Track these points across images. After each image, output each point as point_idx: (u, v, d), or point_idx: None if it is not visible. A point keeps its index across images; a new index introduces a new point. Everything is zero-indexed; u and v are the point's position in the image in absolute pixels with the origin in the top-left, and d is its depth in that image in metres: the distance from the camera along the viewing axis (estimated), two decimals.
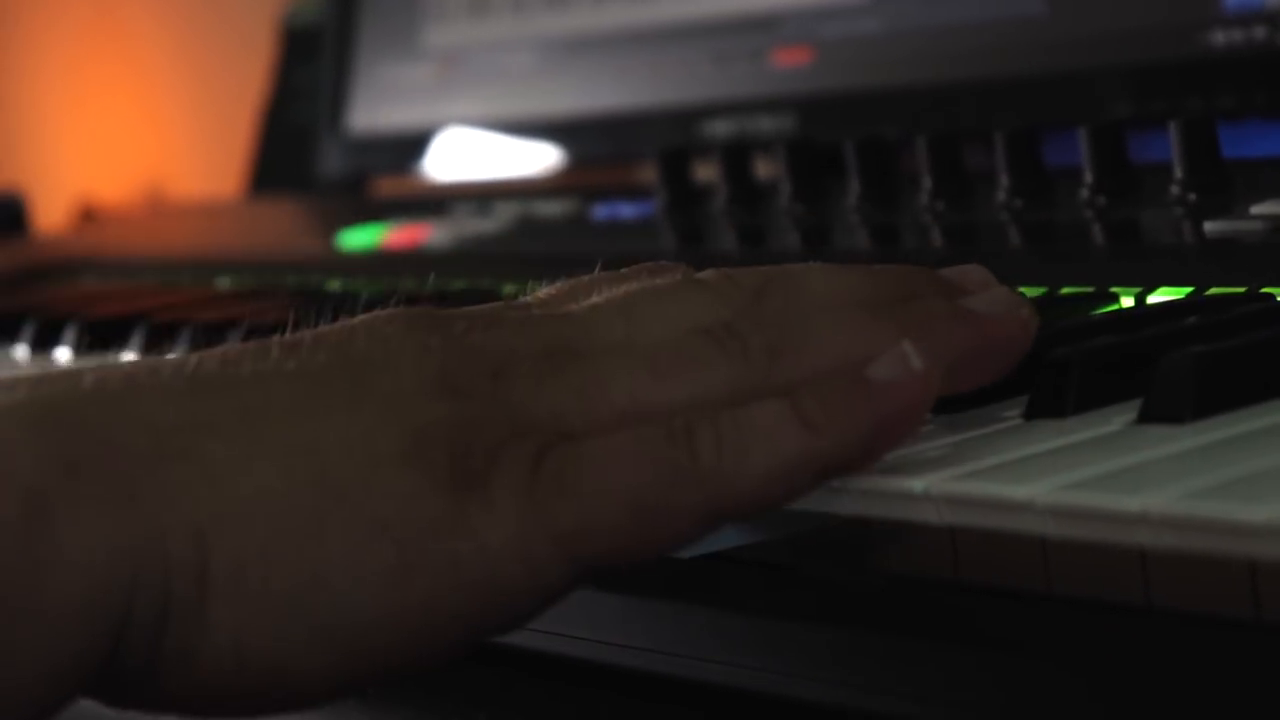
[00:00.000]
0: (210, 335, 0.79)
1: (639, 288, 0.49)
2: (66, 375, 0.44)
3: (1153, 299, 0.59)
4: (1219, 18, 0.74)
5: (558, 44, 1.03)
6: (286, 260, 1.02)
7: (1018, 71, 0.81)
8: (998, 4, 0.82)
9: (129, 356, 0.84)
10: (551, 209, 0.96)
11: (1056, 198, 0.71)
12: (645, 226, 0.88)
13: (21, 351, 0.91)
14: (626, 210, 0.91)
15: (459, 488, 0.43)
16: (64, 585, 0.40)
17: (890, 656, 0.47)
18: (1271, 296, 0.56)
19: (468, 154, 1.08)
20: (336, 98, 1.16)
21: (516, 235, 0.93)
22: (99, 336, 0.87)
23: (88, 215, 1.53)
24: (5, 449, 0.41)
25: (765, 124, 0.90)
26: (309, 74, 1.22)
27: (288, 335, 0.46)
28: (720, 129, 0.92)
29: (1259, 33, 0.72)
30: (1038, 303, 0.58)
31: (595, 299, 0.49)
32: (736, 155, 0.85)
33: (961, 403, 0.50)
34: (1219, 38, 0.74)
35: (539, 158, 1.04)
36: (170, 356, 0.45)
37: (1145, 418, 0.47)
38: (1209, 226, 0.62)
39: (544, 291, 0.51)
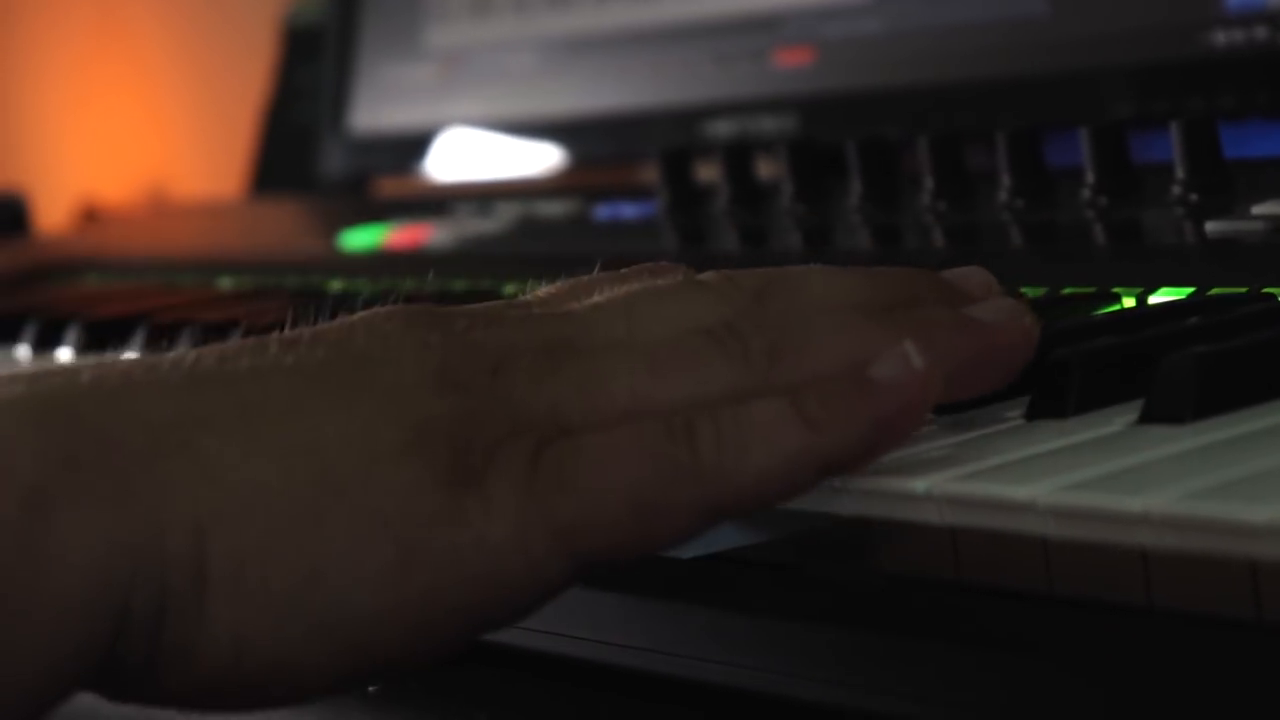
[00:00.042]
0: (212, 335, 0.79)
1: (640, 288, 0.49)
2: (64, 371, 0.44)
3: (1154, 299, 0.59)
4: (1220, 18, 0.74)
5: (559, 44, 1.03)
6: (288, 260, 1.01)
7: (1019, 72, 0.80)
8: (999, 4, 0.82)
9: (130, 357, 0.84)
10: (553, 209, 0.96)
11: (1058, 198, 0.71)
12: (647, 227, 0.88)
13: (23, 351, 0.91)
14: (628, 210, 0.91)
15: (458, 482, 0.43)
16: (63, 580, 0.40)
17: (891, 656, 0.47)
18: (1273, 297, 0.56)
19: (469, 154, 1.08)
20: (338, 98, 1.16)
21: (518, 235, 0.93)
22: (100, 337, 0.87)
23: (90, 215, 1.52)
24: (4, 445, 0.41)
25: (767, 124, 0.90)
26: (311, 74, 1.22)
27: (286, 332, 0.46)
28: (722, 129, 0.92)
29: (1260, 33, 0.72)
30: (1039, 303, 0.59)
31: (596, 298, 0.49)
32: (738, 155, 0.85)
33: (963, 403, 0.50)
34: (1220, 38, 0.73)
35: (541, 158, 1.04)
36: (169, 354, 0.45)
37: (1146, 418, 0.47)
38: (1210, 227, 0.62)
39: (545, 290, 0.51)
